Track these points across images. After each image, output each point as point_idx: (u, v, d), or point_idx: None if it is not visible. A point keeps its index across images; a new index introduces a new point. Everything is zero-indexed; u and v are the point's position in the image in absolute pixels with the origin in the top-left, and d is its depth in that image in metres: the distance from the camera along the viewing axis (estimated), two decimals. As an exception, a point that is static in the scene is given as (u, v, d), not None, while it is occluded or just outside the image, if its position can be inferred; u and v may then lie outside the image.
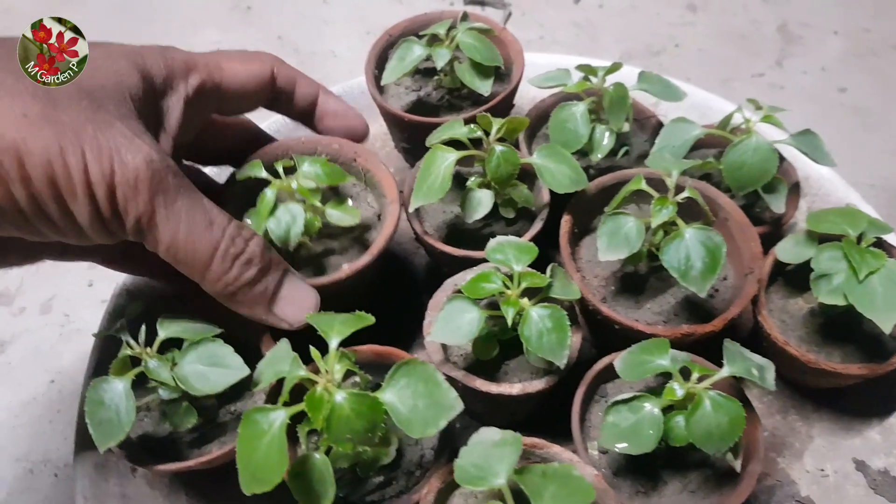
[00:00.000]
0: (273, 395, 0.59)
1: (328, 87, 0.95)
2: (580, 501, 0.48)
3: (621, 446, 0.56)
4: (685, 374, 0.57)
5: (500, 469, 0.48)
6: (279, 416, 0.49)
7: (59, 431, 0.80)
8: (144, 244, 0.54)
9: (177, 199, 0.53)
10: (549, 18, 1.24)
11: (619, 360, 0.59)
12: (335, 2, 1.29)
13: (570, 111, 0.73)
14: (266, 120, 0.91)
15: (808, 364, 0.64)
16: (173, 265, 0.55)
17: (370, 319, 0.55)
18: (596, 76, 0.74)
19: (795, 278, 0.70)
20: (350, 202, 0.74)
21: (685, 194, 0.64)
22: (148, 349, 0.58)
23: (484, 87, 0.76)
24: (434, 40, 0.78)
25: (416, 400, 0.50)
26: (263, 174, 0.67)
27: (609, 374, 0.63)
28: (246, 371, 0.57)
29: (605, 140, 0.73)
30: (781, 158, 0.70)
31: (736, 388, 0.61)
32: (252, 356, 0.60)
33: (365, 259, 0.66)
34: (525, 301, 0.59)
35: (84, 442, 0.67)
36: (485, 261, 0.66)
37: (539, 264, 0.61)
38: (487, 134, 0.67)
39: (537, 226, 0.70)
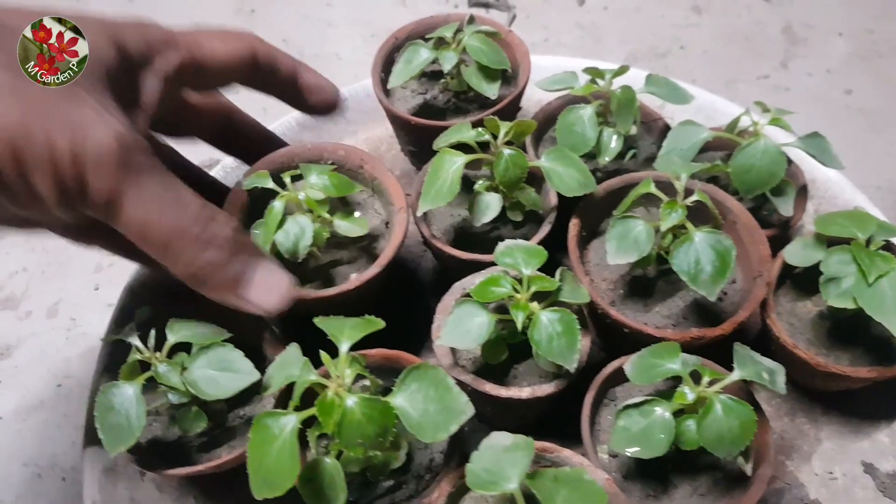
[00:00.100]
0: (283, 400, 0.59)
1: (333, 90, 0.96)
2: (592, 506, 0.48)
3: (633, 450, 0.56)
4: (695, 377, 0.57)
5: (512, 474, 0.48)
6: (290, 421, 0.49)
7: (66, 435, 0.80)
8: (111, 224, 0.52)
9: (146, 178, 0.51)
10: (553, 21, 1.24)
11: (629, 363, 0.59)
12: (339, 4, 1.29)
13: (577, 114, 0.73)
14: (273, 122, 0.91)
15: (817, 367, 0.64)
16: (140, 246, 0.53)
17: (380, 324, 0.55)
18: (603, 79, 0.74)
19: (804, 281, 0.70)
20: (357, 211, 0.74)
21: (694, 198, 0.64)
22: (157, 354, 0.58)
23: (491, 90, 0.76)
24: (441, 43, 0.78)
25: (427, 404, 0.50)
26: (270, 184, 0.67)
27: (618, 377, 0.63)
28: (256, 376, 0.57)
29: (613, 143, 0.73)
30: (789, 161, 0.70)
31: (746, 391, 0.61)
32: (255, 359, 0.60)
33: (374, 270, 0.66)
34: (534, 305, 0.59)
35: (92, 446, 0.67)
36: (492, 264, 0.66)
37: (546, 268, 0.61)
38: (495, 137, 0.67)
39: (545, 229, 0.70)
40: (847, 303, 0.61)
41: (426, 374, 0.50)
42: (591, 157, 0.74)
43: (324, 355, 0.52)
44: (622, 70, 0.74)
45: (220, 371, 0.57)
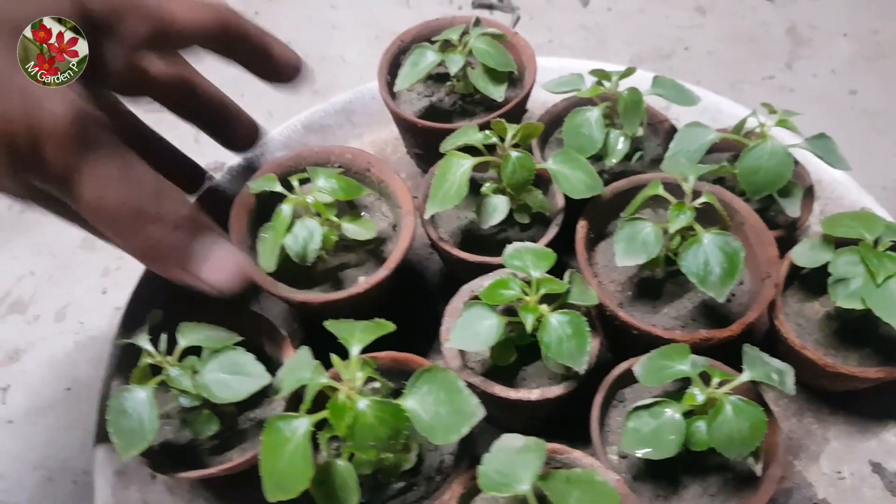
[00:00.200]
0: (293, 403, 0.59)
1: (338, 93, 0.96)
2: (604, 507, 0.48)
3: (643, 452, 0.56)
4: (704, 378, 0.57)
5: (524, 475, 0.48)
6: (302, 424, 0.49)
7: (76, 439, 0.80)
8: (65, 199, 0.51)
9: (102, 154, 0.50)
10: (557, 22, 1.24)
11: (638, 365, 0.59)
12: (343, 6, 1.29)
13: (584, 116, 0.73)
14: (278, 125, 0.91)
15: (825, 368, 0.64)
16: (93, 223, 0.53)
17: (390, 327, 0.55)
18: (609, 81, 0.74)
19: (811, 282, 0.70)
20: (365, 213, 0.74)
21: (702, 199, 0.64)
22: (169, 357, 0.58)
23: (497, 92, 0.76)
24: (447, 46, 0.78)
25: (439, 407, 0.50)
26: (278, 188, 0.68)
27: (627, 378, 0.63)
28: (268, 379, 0.57)
29: (620, 145, 0.73)
30: (795, 162, 0.71)
31: (755, 392, 0.61)
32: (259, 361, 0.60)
33: (382, 273, 0.67)
34: (544, 307, 0.59)
35: (104, 449, 0.68)
36: (500, 266, 0.66)
37: (553, 270, 0.62)
38: (502, 140, 0.68)
39: (552, 231, 0.70)
40: (855, 304, 0.62)
41: (437, 376, 0.51)
42: (597, 158, 0.74)
43: (335, 358, 0.53)
44: (629, 72, 0.75)
45: (231, 374, 0.57)
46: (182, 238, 0.56)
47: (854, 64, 1.16)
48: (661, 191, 0.65)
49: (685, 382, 0.58)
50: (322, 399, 0.51)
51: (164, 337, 0.59)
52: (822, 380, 0.68)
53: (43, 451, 0.80)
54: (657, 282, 0.70)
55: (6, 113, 0.46)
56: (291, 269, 0.67)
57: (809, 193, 0.75)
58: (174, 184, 0.58)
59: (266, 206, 0.73)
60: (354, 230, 0.68)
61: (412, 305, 0.79)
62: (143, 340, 0.59)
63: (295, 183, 0.68)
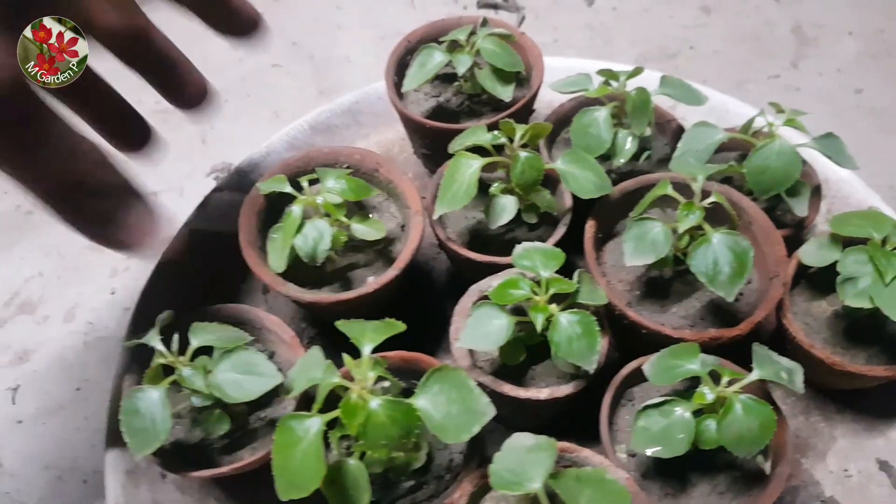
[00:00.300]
0: (304, 402, 0.59)
1: (344, 94, 0.97)
2: (616, 506, 0.48)
3: (653, 450, 0.56)
4: (714, 377, 0.57)
5: (535, 474, 0.49)
6: (315, 424, 0.49)
7: (86, 439, 0.81)
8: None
9: (32, 121, 0.49)
10: (562, 22, 1.24)
11: (648, 364, 0.60)
12: (348, 7, 1.29)
13: (592, 116, 0.73)
14: (285, 126, 0.92)
15: (833, 366, 0.65)
16: (20, 186, 0.52)
17: (401, 327, 0.55)
18: (617, 80, 0.75)
19: (819, 281, 0.70)
20: (373, 214, 0.74)
21: (711, 199, 0.64)
22: (181, 357, 0.59)
23: (505, 92, 0.76)
24: (454, 46, 0.79)
25: (450, 406, 0.50)
26: (288, 189, 0.68)
27: (636, 377, 0.63)
28: (280, 378, 0.58)
29: (628, 145, 0.74)
30: (803, 161, 0.71)
31: (764, 391, 0.61)
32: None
33: (391, 273, 0.67)
34: (553, 307, 0.59)
35: (114, 448, 0.68)
36: (509, 266, 0.66)
37: (561, 269, 0.62)
38: (511, 140, 0.68)
39: (560, 231, 0.70)
40: (864, 302, 0.62)
41: (448, 375, 0.51)
42: (605, 158, 0.74)
43: (347, 358, 0.53)
44: (636, 72, 0.75)
45: (244, 374, 0.57)
46: (104, 201, 0.55)
47: (860, 63, 1.15)
48: (670, 190, 0.65)
49: (693, 381, 0.59)
50: (333, 398, 0.52)
51: (176, 337, 0.60)
52: (830, 378, 0.68)
53: (53, 450, 0.80)
54: (665, 281, 0.70)
55: None
56: (301, 270, 0.68)
57: (817, 193, 0.75)
58: (119, 139, 0.59)
59: (275, 206, 0.73)
60: (364, 230, 0.68)
61: (420, 305, 0.79)
62: (154, 341, 0.59)
63: (304, 184, 0.68)
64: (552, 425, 0.68)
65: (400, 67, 0.84)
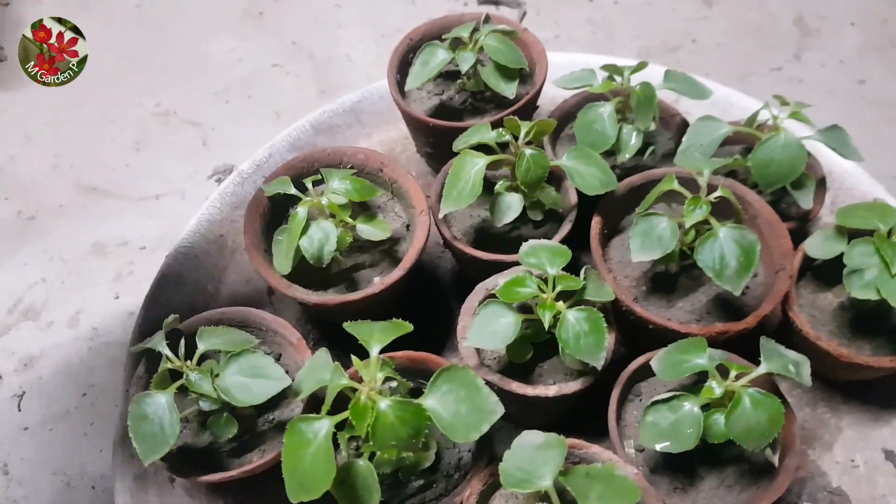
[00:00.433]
0: (312, 404, 0.59)
1: (346, 93, 0.96)
2: (626, 501, 0.48)
3: (662, 445, 0.56)
4: (722, 371, 0.57)
5: (545, 471, 0.48)
6: (324, 426, 0.49)
7: (94, 444, 0.81)
8: None
9: None
10: (564, 17, 1.24)
11: (656, 360, 0.59)
12: (348, 5, 1.29)
13: (597, 112, 0.73)
14: (286, 127, 0.91)
15: (839, 358, 0.64)
16: None
17: (408, 327, 0.55)
18: (621, 76, 0.74)
19: (824, 273, 0.70)
20: (378, 214, 0.74)
21: (718, 193, 0.64)
22: (188, 362, 0.58)
23: (509, 89, 0.76)
24: (457, 43, 0.78)
25: (459, 405, 0.50)
26: (292, 190, 0.68)
27: (643, 373, 0.63)
28: (288, 381, 0.58)
29: (633, 140, 0.73)
30: (807, 154, 0.70)
31: (771, 383, 0.61)
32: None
33: (397, 273, 0.67)
34: (560, 304, 0.59)
35: (122, 454, 0.68)
36: (514, 264, 0.66)
37: (567, 266, 0.62)
38: (516, 138, 0.68)
39: (566, 228, 0.70)
40: (870, 294, 0.62)
41: (456, 375, 0.51)
42: (608, 154, 0.74)
43: (355, 360, 0.53)
44: (640, 66, 0.75)
45: (252, 378, 0.57)
46: None
47: (862, 54, 1.15)
48: (675, 185, 0.65)
49: (701, 376, 0.58)
50: (341, 400, 0.51)
51: (182, 342, 0.59)
52: (836, 370, 0.68)
53: (61, 456, 0.80)
54: (671, 276, 0.70)
55: None
56: (306, 271, 0.68)
57: (821, 185, 0.75)
58: None
59: (279, 208, 0.73)
60: (369, 231, 0.68)
61: (425, 304, 0.79)
62: (161, 346, 0.59)
63: (308, 185, 0.68)
64: (560, 422, 0.68)
65: (402, 66, 0.83)
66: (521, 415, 0.67)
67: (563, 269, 0.61)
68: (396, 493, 0.58)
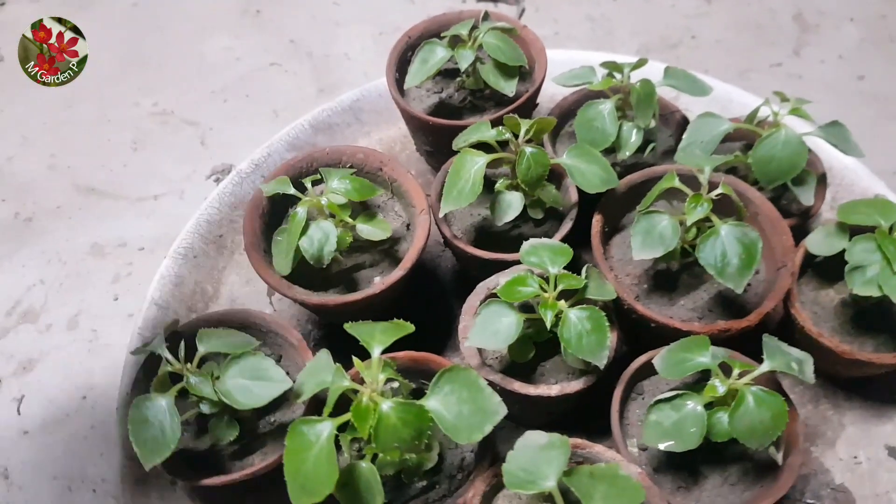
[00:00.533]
0: (314, 406, 0.59)
1: (344, 91, 0.96)
2: (631, 501, 0.48)
3: (666, 445, 0.56)
4: (725, 370, 0.57)
5: (549, 472, 0.48)
6: (326, 428, 0.49)
7: (94, 447, 0.80)
8: None
9: None
10: (563, 14, 1.23)
11: (658, 358, 0.59)
12: (346, 3, 1.28)
13: (597, 109, 0.72)
14: (285, 126, 0.91)
15: (842, 355, 0.64)
16: None
17: (410, 328, 0.55)
18: (621, 73, 0.74)
19: (825, 269, 0.70)
20: (378, 213, 0.74)
21: (719, 191, 0.64)
22: (188, 365, 0.58)
23: (509, 87, 0.76)
24: (456, 41, 0.78)
25: (461, 406, 0.50)
26: (291, 190, 0.67)
27: (645, 371, 0.63)
28: (289, 383, 0.57)
29: (633, 137, 0.73)
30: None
31: (775, 381, 0.61)
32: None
33: (398, 273, 0.67)
34: (562, 303, 0.59)
35: (123, 457, 0.68)
36: (515, 263, 0.66)
37: (567, 264, 0.61)
38: (516, 136, 0.67)
39: (567, 226, 0.70)
40: (872, 291, 0.61)
41: (459, 375, 0.51)
42: (609, 151, 0.74)
43: (357, 361, 0.53)
44: (640, 63, 0.74)
45: (253, 380, 0.57)
46: None
47: (862, 49, 1.15)
48: (676, 183, 0.65)
49: (703, 374, 0.58)
50: (343, 401, 0.51)
51: (182, 344, 0.59)
52: (838, 367, 0.68)
53: (61, 460, 0.80)
54: (673, 274, 0.70)
55: None
56: (306, 272, 0.67)
57: (822, 181, 0.75)
58: None
59: (278, 208, 0.73)
60: (369, 231, 0.68)
61: (426, 303, 0.79)
62: (161, 349, 0.59)
63: (308, 185, 0.68)
64: (562, 421, 0.68)
65: (401, 64, 0.83)
66: (523, 414, 0.67)
67: (565, 268, 0.61)
68: (399, 495, 0.58)
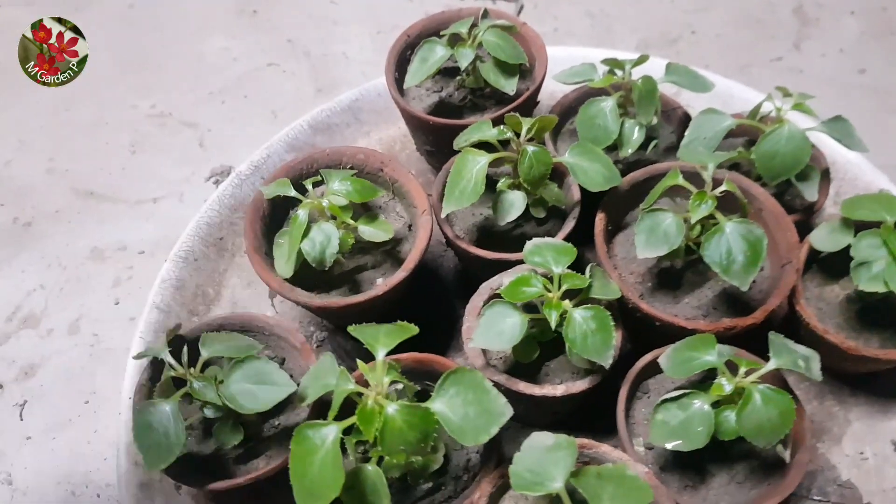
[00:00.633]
0: (318, 409, 0.59)
1: (343, 91, 0.96)
2: (639, 501, 0.48)
3: (673, 444, 0.56)
4: (731, 368, 0.57)
5: (556, 473, 0.48)
6: (331, 432, 0.49)
7: (98, 452, 0.80)
8: None
9: None
10: (562, 10, 1.23)
11: (664, 357, 0.59)
12: (343, 1, 1.28)
13: (598, 107, 0.72)
14: (284, 127, 0.91)
15: (847, 351, 0.64)
16: None
17: (414, 330, 0.54)
18: (622, 69, 0.73)
19: (830, 265, 0.70)
20: (380, 214, 0.73)
21: (723, 188, 0.63)
22: (192, 370, 0.58)
23: (509, 85, 0.75)
24: (456, 40, 0.78)
25: (467, 408, 0.49)
26: (292, 192, 0.67)
27: (651, 370, 0.63)
28: (293, 387, 0.57)
29: (635, 134, 0.73)
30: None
31: (781, 379, 0.61)
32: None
33: (401, 274, 0.66)
34: (567, 303, 0.59)
35: (127, 462, 0.67)
36: (518, 263, 0.66)
37: (571, 262, 0.61)
38: (517, 135, 0.67)
39: (570, 224, 0.69)
40: (878, 286, 0.61)
41: (464, 377, 0.50)
42: (611, 149, 0.73)
43: (361, 364, 0.52)
44: (642, 59, 0.74)
45: (257, 384, 0.56)
46: None
47: (862, 42, 1.14)
48: (680, 180, 0.64)
49: (709, 372, 0.58)
50: (348, 404, 0.51)
51: (185, 349, 0.59)
52: (844, 363, 0.68)
53: (65, 465, 0.79)
54: (677, 272, 0.69)
55: None
56: (308, 274, 0.67)
57: (826, 176, 0.75)
58: None
59: (278, 210, 0.72)
60: (371, 232, 0.67)
61: (429, 304, 0.79)
62: (164, 354, 0.58)
63: (308, 186, 0.67)
64: (567, 420, 0.67)
65: (400, 63, 0.83)
66: (529, 414, 0.67)
67: (569, 267, 0.61)
68: (405, 497, 0.57)
